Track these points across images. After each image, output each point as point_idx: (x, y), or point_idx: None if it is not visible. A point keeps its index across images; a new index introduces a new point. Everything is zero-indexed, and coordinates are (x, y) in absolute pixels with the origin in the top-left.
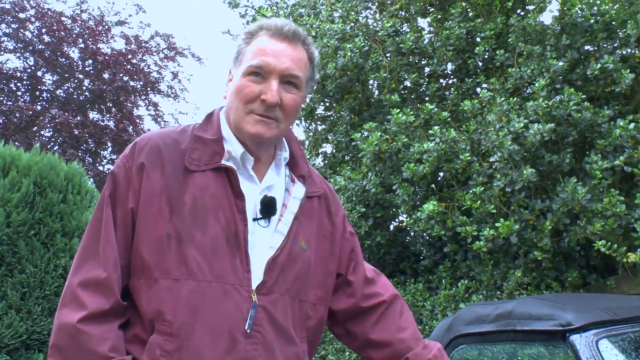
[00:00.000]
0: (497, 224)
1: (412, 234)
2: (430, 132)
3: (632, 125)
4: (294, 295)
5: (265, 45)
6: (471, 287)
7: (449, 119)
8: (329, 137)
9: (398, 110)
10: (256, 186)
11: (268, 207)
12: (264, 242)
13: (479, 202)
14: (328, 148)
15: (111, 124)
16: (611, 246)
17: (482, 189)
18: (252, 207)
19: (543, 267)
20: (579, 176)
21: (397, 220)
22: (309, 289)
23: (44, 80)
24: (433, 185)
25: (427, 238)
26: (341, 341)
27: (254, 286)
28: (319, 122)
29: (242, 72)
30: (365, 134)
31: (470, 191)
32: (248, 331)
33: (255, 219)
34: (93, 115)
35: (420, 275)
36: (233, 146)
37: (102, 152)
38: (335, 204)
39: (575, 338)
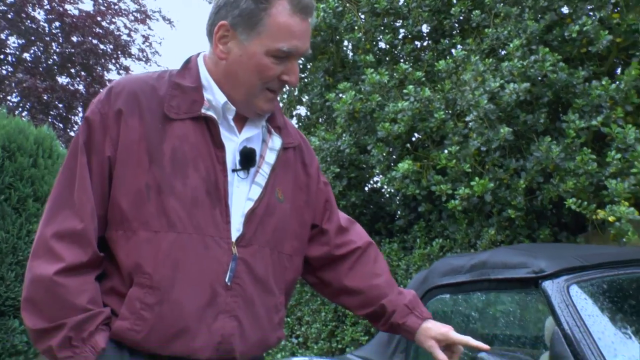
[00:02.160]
0: (472, 183)
1: (387, 194)
2: (405, 91)
3: (613, 85)
4: (272, 247)
5: (291, 23)
6: (445, 246)
7: (424, 79)
8: (303, 99)
9: (372, 70)
10: (236, 137)
11: (247, 159)
12: (242, 194)
13: (454, 161)
14: (302, 110)
15: (81, 88)
16: (582, 204)
17: (458, 148)
18: (231, 158)
19: (516, 225)
20: (553, 136)
21: (372, 181)
22: (286, 241)
23: (7, 43)
24: (408, 145)
25: (402, 198)
26: (315, 289)
27: (233, 238)
28: None
29: (266, 50)
30: (340, 94)
31: (446, 150)
32: (228, 284)
33: (234, 170)
34: (62, 79)
35: (395, 235)
36: (214, 95)
37: (72, 118)
38: (309, 155)
39: (547, 284)
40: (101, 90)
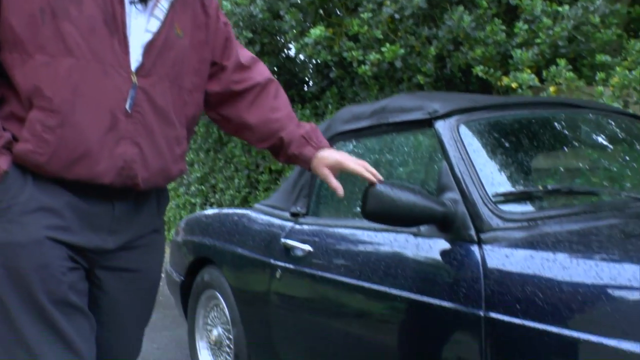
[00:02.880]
0: (382, 49)
1: (299, 61)
2: None
3: None
4: (172, 80)
5: None
6: None
7: None
8: None
9: None
10: None
11: None
12: (140, 26)
13: (366, 27)
14: None
15: None
16: (488, 71)
17: (371, 15)
18: None
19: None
20: (466, 6)
21: (285, 48)
22: (185, 76)
23: None
24: (321, 11)
25: (315, 64)
26: (217, 125)
27: (133, 68)
28: None
29: None
30: None
31: (358, 17)
32: (129, 111)
33: (132, 2)
34: None
35: (307, 102)
36: None
37: None
38: None
39: (439, 124)
40: None
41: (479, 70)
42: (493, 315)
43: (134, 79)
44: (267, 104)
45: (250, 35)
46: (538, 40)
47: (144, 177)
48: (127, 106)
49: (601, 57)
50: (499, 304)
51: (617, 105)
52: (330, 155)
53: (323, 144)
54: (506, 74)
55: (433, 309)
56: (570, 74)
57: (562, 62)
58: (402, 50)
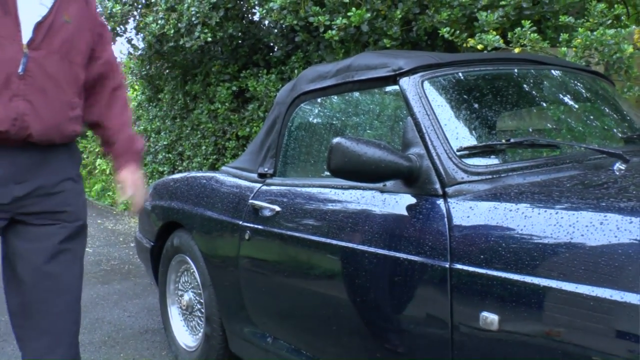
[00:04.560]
0: (349, 14)
1: (264, 26)
2: None
3: None
4: (63, 55)
5: None
6: None
7: None
8: None
9: None
10: None
11: None
12: (32, 10)
13: None
14: None
15: None
16: (454, 33)
17: None
18: None
19: None
20: None
21: (250, 13)
22: (77, 54)
23: None
24: None
25: (280, 29)
26: None
27: (24, 41)
28: None
29: None
30: None
31: None
32: (21, 74)
33: None
34: None
35: (272, 66)
36: None
37: None
38: None
39: (404, 80)
40: None
41: (445, 32)
42: (458, 266)
43: (26, 50)
44: (117, 109)
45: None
46: (503, 3)
47: (36, 129)
48: (19, 70)
49: (564, 19)
50: (464, 255)
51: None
52: (123, 173)
53: (126, 162)
54: (472, 36)
55: (400, 263)
56: (535, 35)
57: (526, 23)
58: (368, 15)
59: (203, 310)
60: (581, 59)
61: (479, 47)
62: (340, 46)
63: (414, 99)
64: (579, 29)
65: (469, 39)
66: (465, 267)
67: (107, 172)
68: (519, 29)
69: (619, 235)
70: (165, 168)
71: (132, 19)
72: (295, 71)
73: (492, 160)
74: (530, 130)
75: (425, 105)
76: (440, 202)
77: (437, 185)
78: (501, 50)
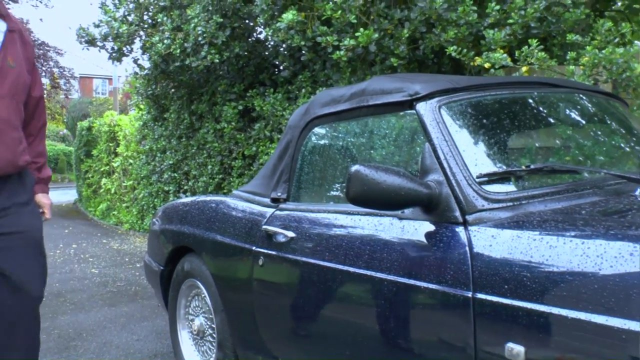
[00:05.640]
0: (357, 34)
1: (270, 45)
2: None
3: None
4: (11, 97)
5: None
6: None
7: None
8: None
9: None
10: None
11: None
12: None
13: (339, 12)
14: None
15: None
16: (461, 51)
17: None
18: None
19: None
20: None
21: (256, 32)
22: (20, 93)
23: None
24: None
25: (287, 49)
26: None
27: None
28: None
29: None
30: None
31: (331, 1)
32: None
33: None
34: None
35: (279, 86)
36: None
37: None
38: (27, 38)
39: (421, 105)
40: None
41: (452, 50)
42: (482, 296)
43: None
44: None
45: (220, 19)
46: (510, 21)
47: None
48: None
49: (572, 37)
50: (487, 284)
51: (587, 83)
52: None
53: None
54: (479, 54)
55: (421, 292)
56: (542, 54)
57: (533, 42)
58: (375, 35)
59: (215, 336)
60: (589, 77)
61: (486, 65)
62: (347, 65)
63: (431, 125)
64: (587, 47)
65: (476, 58)
66: (489, 297)
67: (112, 191)
68: (526, 47)
69: None
70: (170, 187)
71: (138, 38)
72: (302, 90)
73: (512, 187)
74: (548, 155)
75: (443, 130)
76: (461, 230)
77: (457, 213)
78: (508, 69)
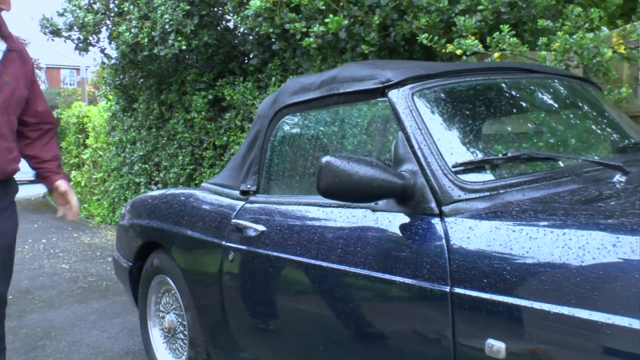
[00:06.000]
0: (326, 20)
1: (239, 33)
2: None
3: None
4: (4, 110)
5: None
6: None
7: None
8: None
9: None
10: None
11: None
12: None
13: None
14: None
15: None
16: (433, 39)
17: None
18: None
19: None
20: None
21: (225, 20)
22: (14, 107)
23: None
24: None
25: (256, 36)
26: None
27: None
28: None
29: None
30: None
31: None
32: None
33: None
34: None
35: (249, 74)
36: None
37: None
38: (27, 58)
39: (393, 93)
40: None
41: (423, 38)
42: (460, 290)
43: None
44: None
45: (187, 7)
46: (480, 7)
47: None
48: None
49: (543, 22)
50: (466, 278)
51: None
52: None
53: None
54: (450, 41)
55: (396, 286)
56: (514, 40)
57: (505, 27)
58: (345, 21)
59: (186, 333)
60: (560, 62)
61: (458, 52)
62: (317, 53)
63: (404, 113)
64: (558, 32)
65: (448, 45)
66: (468, 292)
67: (82, 184)
68: (497, 33)
69: (634, 258)
70: (141, 179)
71: (104, 28)
72: (273, 79)
73: (489, 176)
74: (523, 141)
75: (416, 118)
76: (437, 221)
77: (433, 204)
78: (480, 55)
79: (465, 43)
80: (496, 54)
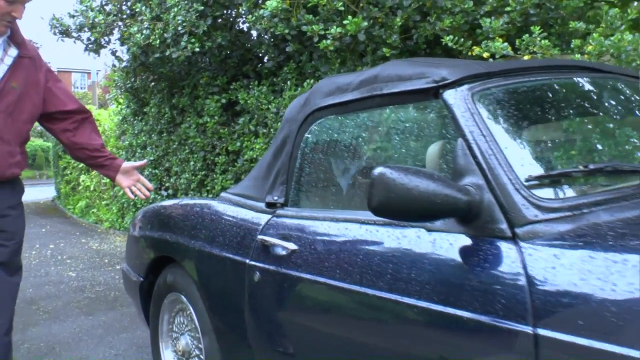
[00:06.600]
0: (344, 22)
1: (253, 36)
2: None
3: None
4: (9, 114)
5: None
6: None
7: None
8: None
9: None
10: None
11: None
12: None
13: None
14: None
15: None
16: (458, 40)
17: None
18: None
19: None
20: None
21: (239, 22)
22: (22, 112)
23: None
24: None
25: (271, 38)
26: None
27: None
28: None
29: None
30: None
31: None
32: None
33: None
34: None
35: (263, 78)
36: None
37: None
38: (40, 64)
39: (449, 94)
40: None
41: (448, 40)
42: (546, 333)
43: None
44: (87, 134)
45: (201, 7)
46: (508, 8)
47: None
48: None
49: (575, 24)
50: (554, 319)
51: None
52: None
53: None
54: (475, 44)
55: (463, 323)
56: (546, 42)
57: (536, 29)
58: (365, 23)
59: (202, 358)
60: None
61: (485, 55)
62: (335, 56)
63: (464, 116)
64: (594, 34)
65: (474, 47)
66: (557, 335)
67: (92, 188)
68: (526, 35)
69: None
70: (151, 185)
71: (116, 29)
72: (288, 82)
73: (567, 192)
74: (605, 151)
75: (479, 123)
76: (511, 246)
77: (504, 225)
78: (509, 59)
79: (493, 46)
80: (526, 57)
